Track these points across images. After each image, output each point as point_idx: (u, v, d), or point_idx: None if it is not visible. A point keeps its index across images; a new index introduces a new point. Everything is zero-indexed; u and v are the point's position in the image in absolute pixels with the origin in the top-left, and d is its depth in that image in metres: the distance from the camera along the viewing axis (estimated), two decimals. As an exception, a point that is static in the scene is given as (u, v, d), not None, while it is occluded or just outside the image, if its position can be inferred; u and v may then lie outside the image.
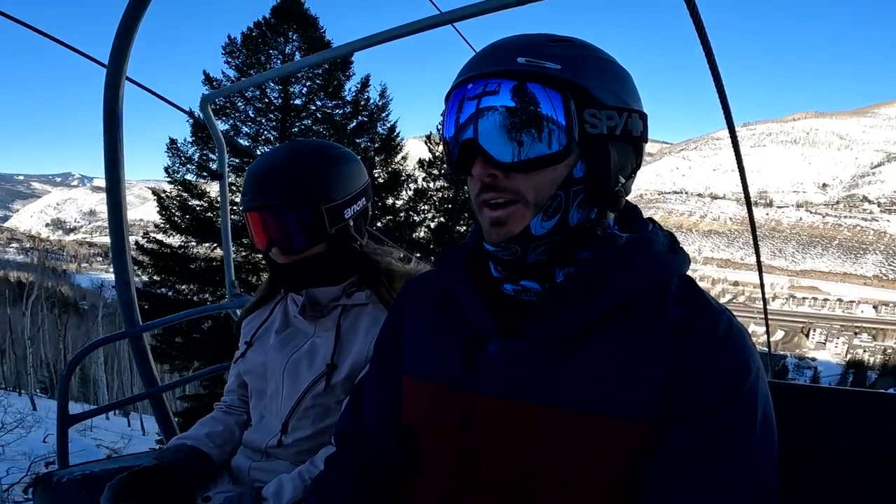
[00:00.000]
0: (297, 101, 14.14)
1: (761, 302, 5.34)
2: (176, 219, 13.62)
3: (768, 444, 0.73)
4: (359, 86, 14.52)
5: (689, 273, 0.85)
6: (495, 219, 0.78)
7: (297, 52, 13.88)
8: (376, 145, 14.77)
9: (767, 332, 5.18)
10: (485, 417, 0.80)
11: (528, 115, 0.74)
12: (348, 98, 14.50)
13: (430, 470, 0.89)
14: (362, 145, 14.50)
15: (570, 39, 0.79)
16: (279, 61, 13.79)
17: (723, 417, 0.71)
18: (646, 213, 0.88)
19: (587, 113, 0.75)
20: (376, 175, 14.61)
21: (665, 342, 0.74)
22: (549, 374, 0.77)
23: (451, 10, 1.76)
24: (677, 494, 0.71)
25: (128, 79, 2.01)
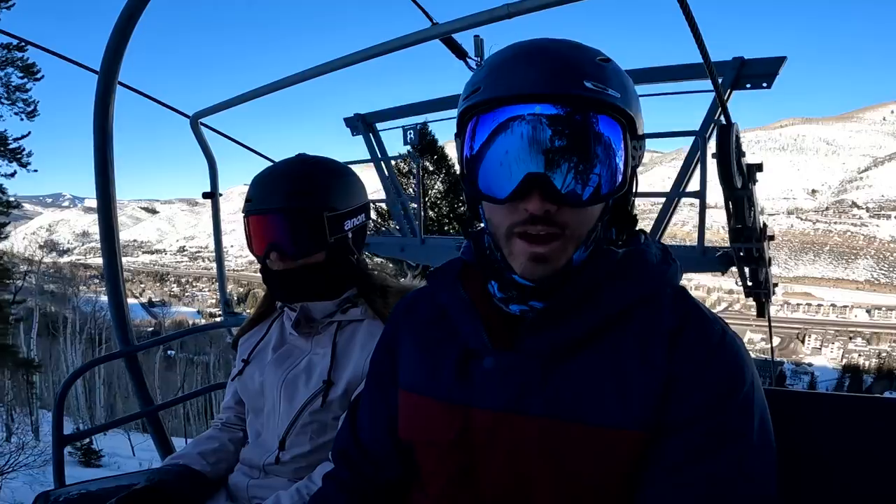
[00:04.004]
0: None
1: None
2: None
3: (766, 451, 0.73)
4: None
5: (684, 282, 0.86)
6: (538, 255, 0.74)
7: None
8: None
9: (770, 338, 5.25)
10: (481, 431, 0.80)
11: (598, 149, 0.71)
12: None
13: (429, 485, 0.89)
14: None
15: (605, 55, 0.77)
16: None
17: (718, 424, 0.72)
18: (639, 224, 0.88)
19: (632, 144, 0.75)
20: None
21: (659, 352, 0.75)
22: (545, 386, 0.77)
23: (446, 22, 1.81)
24: (676, 501, 0.71)
25: (120, 83, 2.02)
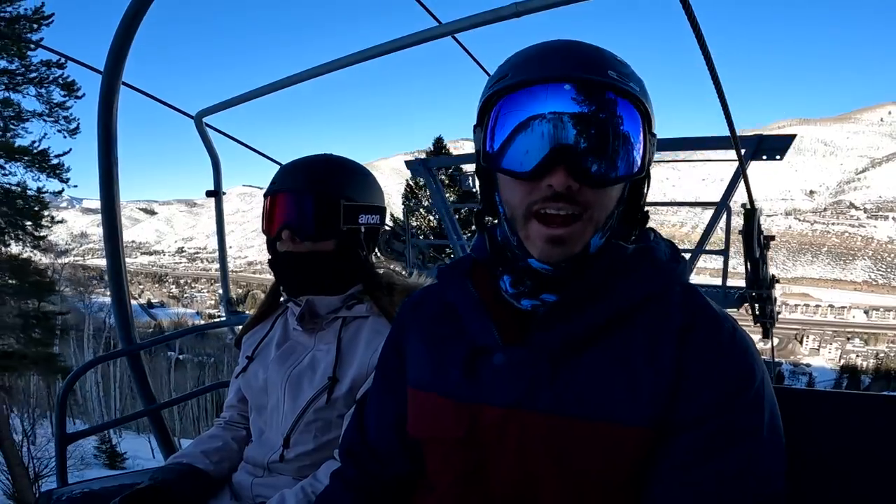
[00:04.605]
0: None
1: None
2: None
3: (776, 448, 0.74)
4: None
5: None
6: (556, 237, 0.75)
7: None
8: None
9: (771, 339, 5.62)
10: (490, 428, 0.80)
11: (622, 130, 0.74)
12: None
13: (437, 482, 0.89)
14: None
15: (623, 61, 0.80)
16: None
17: (728, 421, 0.72)
18: None
19: (648, 138, 0.77)
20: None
21: (668, 348, 0.75)
22: (554, 382, 0.77)
23: (451, 21, 1.82)
24: (685, 498, 0.71)
25: (124, 83, 2.03)
